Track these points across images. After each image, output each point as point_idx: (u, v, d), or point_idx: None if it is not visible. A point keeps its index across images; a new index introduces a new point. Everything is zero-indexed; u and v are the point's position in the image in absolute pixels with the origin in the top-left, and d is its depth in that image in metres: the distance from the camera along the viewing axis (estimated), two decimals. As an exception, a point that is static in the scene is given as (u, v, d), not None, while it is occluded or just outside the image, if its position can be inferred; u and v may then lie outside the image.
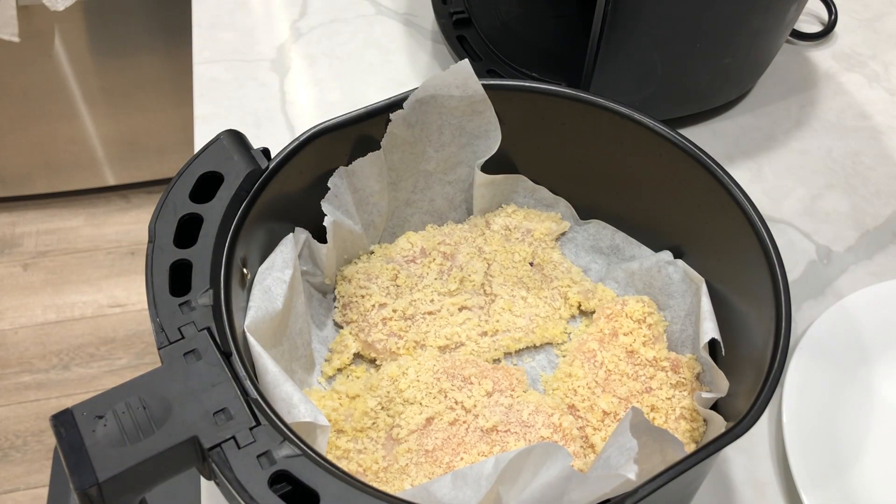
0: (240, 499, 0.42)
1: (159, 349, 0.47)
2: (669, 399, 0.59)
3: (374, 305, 0.63)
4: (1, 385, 1.49)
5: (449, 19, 0.86)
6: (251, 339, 0.50)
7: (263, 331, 0.53)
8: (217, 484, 0.45)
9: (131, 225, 1.72)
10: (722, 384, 0.56)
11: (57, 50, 1.50)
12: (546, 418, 0.57)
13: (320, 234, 0.61)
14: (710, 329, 0.57)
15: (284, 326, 0.57)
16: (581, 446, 0.57)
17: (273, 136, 0.83)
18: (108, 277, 1.64)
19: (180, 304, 0.49)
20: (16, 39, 1.41)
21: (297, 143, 0.57)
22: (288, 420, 0.46)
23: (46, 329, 1.56)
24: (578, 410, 0.59)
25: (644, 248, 0.66)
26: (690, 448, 0.57)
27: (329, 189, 0.60)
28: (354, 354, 0.63)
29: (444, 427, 0.57)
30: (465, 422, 0.57)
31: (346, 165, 0.60)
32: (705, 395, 0.57)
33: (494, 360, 0.63)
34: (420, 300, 0.64)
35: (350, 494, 0.42)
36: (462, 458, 0.55)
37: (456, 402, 0.58)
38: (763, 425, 0.62)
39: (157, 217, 0.52)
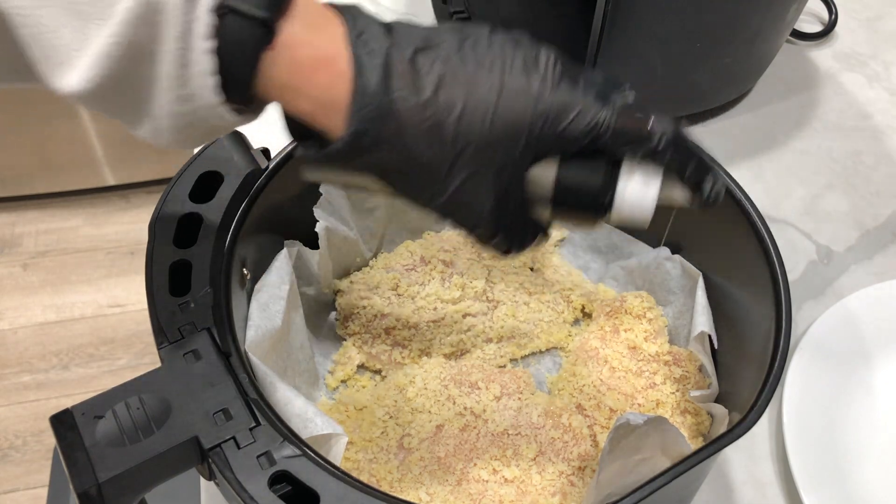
0: (240, 499, 0.42)
1: (159, 349, 0.47)
2: (674, 393, 0.59)
3: (375, 316, 0.63)
4: (1, 385, 1.48)
5: (449, 19, 0.86)
6: (254, 360, 0.49)
7: (265, 349, 0.52)
8: (217, 484, 0.45)
9: (131, 225, 1.72)
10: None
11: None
12: (555, 419, 0.57)
13: (317, 240, 0.61)
14: (701, 322, 0.57)
15: (285, 342, 0.56)
16: (591, 445, 0.57)
17: (273, 136, 0.83)
18: (107, 277, 1.64)
19: (180, 304, 0.49)
20: None
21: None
22: (305, 435, 0.46)
23: (46, 329, 1.56)
24: (586, 409, 0.59)
25: (642, 244, 0.66)
26: (696, 442, 0.57)
27: (321, 195, 0.60)
28: (358, 365, 0.63)
29: (455, 434, 0.56)
30: (475, 427, 0.57)
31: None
32: (695, 393, 0.57)
33: (500, 367, 0.63)
34: (423, 308, 0.63)
35: (350, 494, 0.42)
36: (475, 464, 0.55)
37: (465, 408, 0.58)
38: (763, 425, 0.62)
39: (157, 217, 0.52)
